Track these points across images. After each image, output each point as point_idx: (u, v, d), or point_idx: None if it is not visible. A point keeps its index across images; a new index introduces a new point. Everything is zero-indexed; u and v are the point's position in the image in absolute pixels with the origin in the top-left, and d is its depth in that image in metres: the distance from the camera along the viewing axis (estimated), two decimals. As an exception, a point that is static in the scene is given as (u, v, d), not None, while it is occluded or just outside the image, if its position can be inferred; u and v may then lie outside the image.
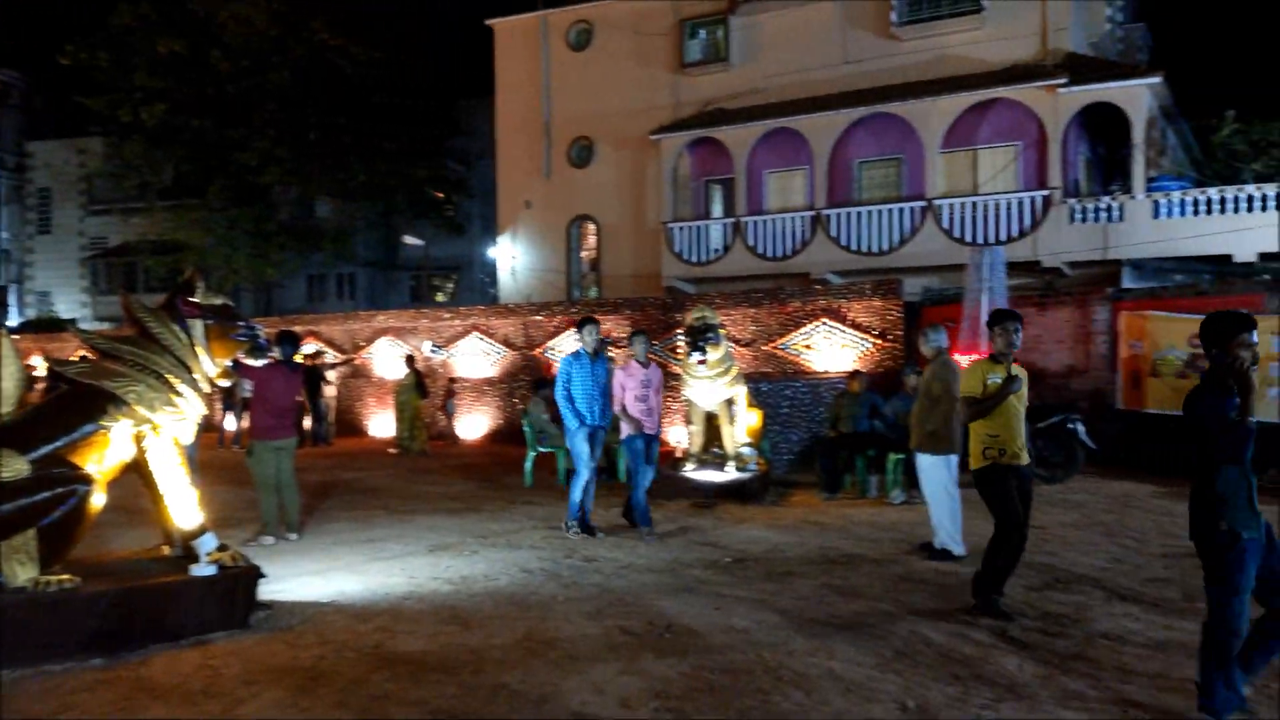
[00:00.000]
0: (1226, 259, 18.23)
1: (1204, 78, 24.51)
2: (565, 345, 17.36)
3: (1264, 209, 18.24)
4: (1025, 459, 6.21)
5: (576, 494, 9.02)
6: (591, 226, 26.58)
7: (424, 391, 17.17)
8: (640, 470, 9.10)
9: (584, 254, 27.06)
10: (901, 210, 21.07)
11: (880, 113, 21.26)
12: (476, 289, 37.67)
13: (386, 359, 20.34)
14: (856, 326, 15.26)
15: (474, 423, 18.91)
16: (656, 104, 24.64)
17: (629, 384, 9.16)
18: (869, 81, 21.93)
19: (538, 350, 18.52)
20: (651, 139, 23.95)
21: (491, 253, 30.21)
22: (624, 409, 9.09)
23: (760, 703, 4.72)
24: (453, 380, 19.06)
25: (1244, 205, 18.45)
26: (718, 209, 24.77)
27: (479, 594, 6.95)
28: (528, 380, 17.45)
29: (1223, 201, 18.68)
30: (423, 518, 10.20)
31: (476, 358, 19.26)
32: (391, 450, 17.15)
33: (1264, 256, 17.92)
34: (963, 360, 10.75)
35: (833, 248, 21.66)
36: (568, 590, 7.00)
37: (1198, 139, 24.03)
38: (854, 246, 21.42)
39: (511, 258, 27.57)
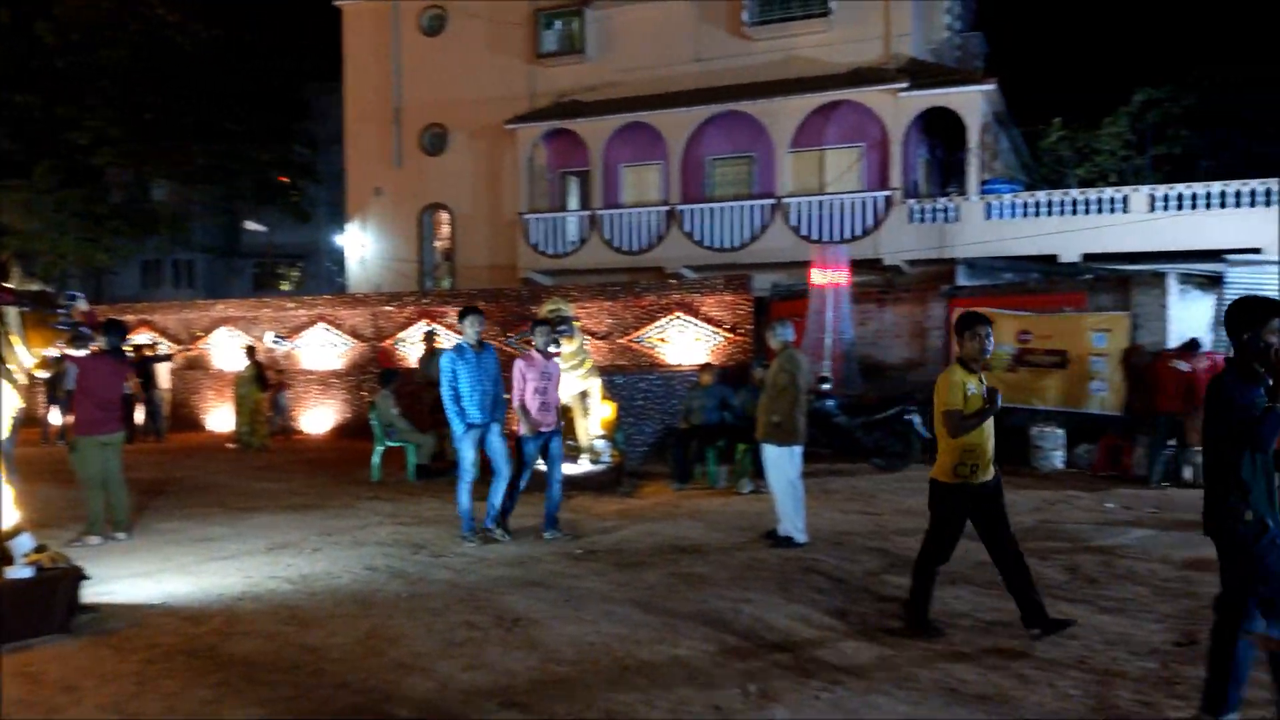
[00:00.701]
0: (1053, 259, 19.33)
1: (1034, 86, 25.87)
2: (416, 336, 16.99)
3: (1087, 212, 19.43)
4: (991, 473, 5.70)
5: (464, 499, 8.37)
6: (445, 216, 26.13)
7: (265, 384, 16.52)
8: (524, 471, 8.68)
9: (437, 244, 26.58)
10: (752, 208, 21.52)
11: (732, 111, 21.65)
12: (324, 278, 36.59)
13: (226, 350, 19.49)
14: (709, 320, 15.50)
15: (320, 417, 18.32)
16: (512, 93, 24.39)
17: (529, 375, 8.56)
18: (722, 79, 22.30)
19: (387, 342, 18.08)
20: (507, 128, 23.71)
21: (340, 241, 29.34)
22: (522, 405, 8.51)
23: (605, 693, 4.73)
24: (280, 373, 18.27)
25: (1069, 208, 19.62)
26: (574, 201, 24.74)
27: (320, 593, 6.74)
28: (376, 373, 17.03)
29: (1050, 204, 19.81)
30: (263, 515, 9.82)
31: (322, 349, 18.67)
32: (230, 445, 16.44)
33: (1087, 257, 19.08)
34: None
35: (687, 243, 21.94)
36: (414, 587, 6.86)
37: (1027, 144, 25.44)
38: (707, 242, 21.75)
39: (360, 246, 26.84)
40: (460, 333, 8.48)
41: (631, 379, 13.61)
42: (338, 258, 31.64)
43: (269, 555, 7.93)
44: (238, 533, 8.90)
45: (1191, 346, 12.26)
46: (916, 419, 12.93)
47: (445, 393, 8.23)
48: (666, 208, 22.29)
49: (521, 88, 24.47)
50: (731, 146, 22.69)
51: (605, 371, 14.37)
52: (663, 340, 15.75)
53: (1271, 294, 15.12)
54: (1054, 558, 7.69)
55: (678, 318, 15.65)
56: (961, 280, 19.26)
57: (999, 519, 5.68)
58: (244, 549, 8.18)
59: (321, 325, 18.68)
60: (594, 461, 10.74)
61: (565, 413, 10.94)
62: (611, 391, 12.61)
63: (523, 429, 8.52)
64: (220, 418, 19.13)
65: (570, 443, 11.01)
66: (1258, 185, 18.31)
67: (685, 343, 15.56)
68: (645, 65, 23.07)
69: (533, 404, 8.49)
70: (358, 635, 5.73)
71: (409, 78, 25.91)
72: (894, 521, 9.26)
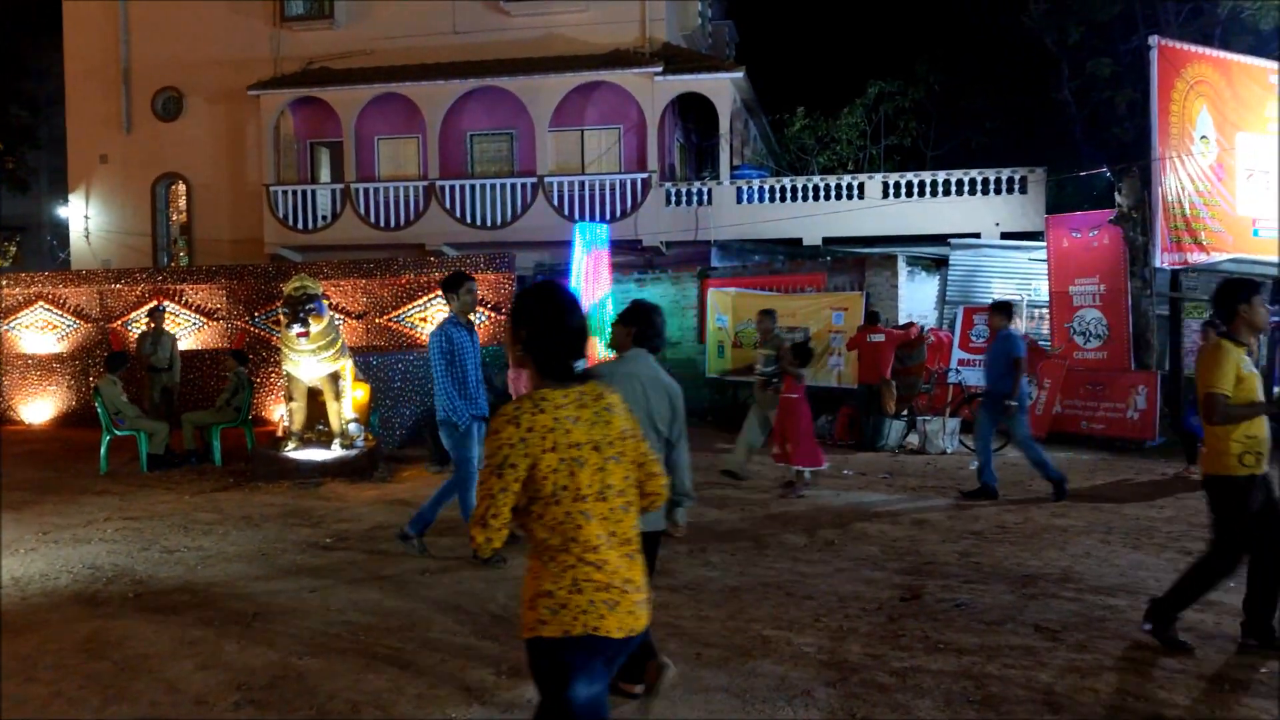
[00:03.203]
0: (798, 242, 20.40)
1: (780, 76, 27.17)
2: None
3: (828, 198, 20.60)
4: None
5: (438, 509, 7.04)
6: (182, 187, 24.33)
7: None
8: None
9: (174, 217, 24.72)
10: (514, 185, 21.37)
11: (492, 86, 21.37)
12: (45, 253, 33.23)
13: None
14: (469, 299, 15.29)
15: (40, 405, 16.65)
16: (255, 57, 22.96)
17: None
18: (480, 54, 21.93)
19: (117, 323, 16.66)
20: (250, 94, 22.29)
21: (63, 212, 26.70)
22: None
23: (352, 684, 4.56)
24: None
25: (812, 194, 20.73)
26: (326, 174, 23.68)
27: (34, 596, 6.15)
28: (104, 356, 15.65)
29: (794, 190, 20.86)
30: (-34, 515, 8.81)
31: (42, 331, 16.96)
32: (-70, 438, 14.66)
33: (827, 240, 20.25)
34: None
35: (448, 219, 21.50)
36: (143, 585, 6.37)
37: (774, 132, 26.66)
38: (469, 219, 21.42)
39: (85, 218, 24.55)
40: (452, 305, 6.95)
41: (388, 359, 13.20)
42: (62, 231, 28.79)
43: (-29, 559, 7.13)
44: (-67, 536, 7.94)
45: (872, 319, 13.26)
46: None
47: (442, 375, 6.78)
48: (425, 183, 21.76)
49: (266, 51, 23.09)
50: (492, 122, 22.41)
51: (361, 352, 13.89)
52: (423, 320, 15.39)
53: (989, 274, 16.71)
54: (795, 523, 8.13)
55: (438, 296, 15.32)
56: (715, 262, 20.00)
57: (1273, 519, 4.99)
58: (-60, 554, 7.31)
59: (41, 305, 16.96)
60: (346, 446, 10.34)
61: (316, 395, 10.48)
62: (366, 373, 12.19)
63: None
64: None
65: (321, 427, 10.56)
66: (977, 174, 20.02)
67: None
68: (400, 35, 22.33)
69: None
70: (77, 639, 5.26)
71: (139, 35, 23.84)
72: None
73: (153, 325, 14.00)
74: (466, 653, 4.98)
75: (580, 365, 2.71)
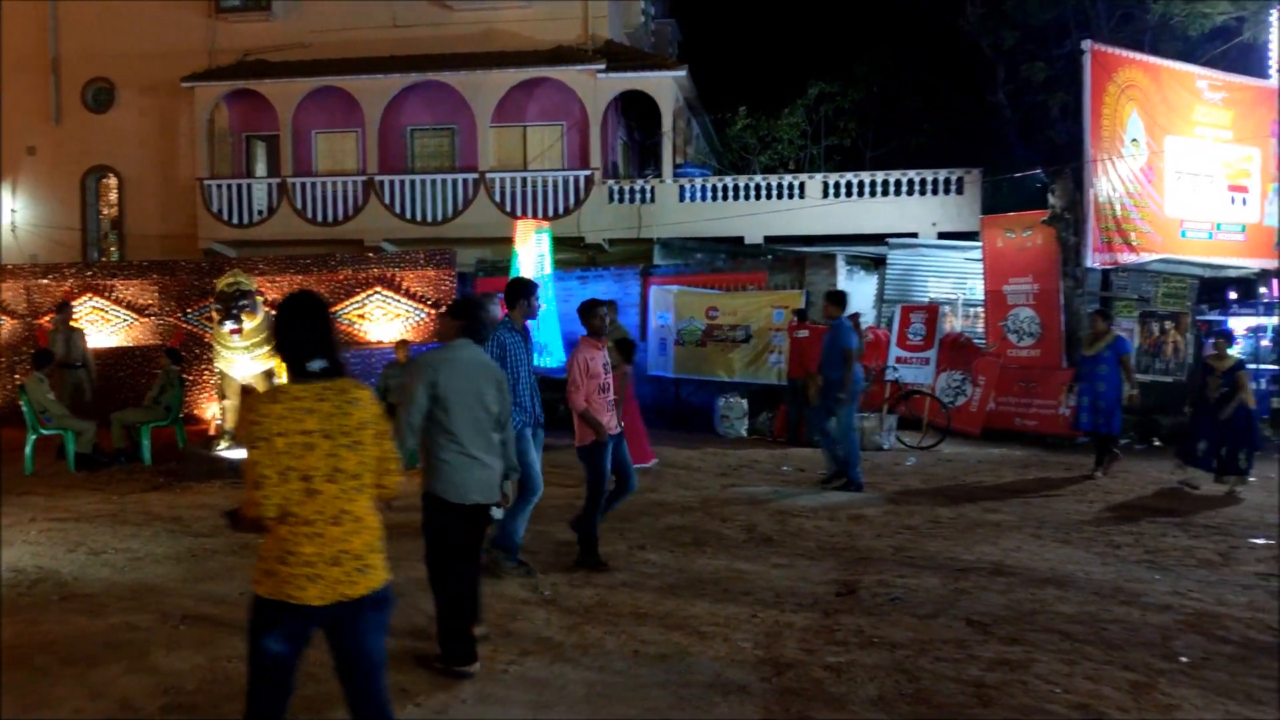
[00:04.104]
0: (740, 240, 20.50)
1: (722, 75, 27.31)
2: (78, 312, 15.28)
3: (769, 197, 20.74)
4: None
5: (519, 525, 6.41)
6: (113, 180, 23.74)
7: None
8: (628, 481, 6.87)
9: (105, 210, 24.10)
10: (455, 181, 21.18)
11: (433, 81, 21.16)
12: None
13: None
14: (411, 296, 15.12)
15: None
16: (190, 48, 22.45)
17: (594, 367, 6.53)
18: (421, 48, 21.71)
19: (44, 319, 16.17)
20: (184, 86, 21.81)
21: (-13, 205, 25.90)
22: (585, 406, 6.45)
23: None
24: None
25: (753, 193, 20.85)
26: (262, 168, 23.26)
27: (-51, 602, 5.93)
28: (31, 353, 15.19)
29: (736, 189, 20.96)
30: (-120, 518, 8.50)
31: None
32: None
33: (769, 239, 20.39)
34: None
35: (387, 215, 21.25)
36: (68, 588, 6.20)
37: (717, 131, 26.78)
38: (409, 215, 21.18)
39: (11, 211, 23.82)
40: (513, 313, 6.38)
41: (325, 357, 13.02)
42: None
43: (-116, 564, 6.88)
44: None
45: (800, 316, 13.41)
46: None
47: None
48: (364, 178, 21.48)
49: (200, 43, 22.60)
50: (432, 117, 22.19)
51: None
52: (361, 317, 15.19)
53: (926, 273, 16.97)
54: (734, 520, 8.17)
55: (377, 293, 15.14)
56: (657, 260, 20.01)
57: None
58: None
59: (-39, 300, 16.42)
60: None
61: (249, 393, 10.29)
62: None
63: (583, 434, 6.58)
64: None
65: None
66: (915, 175, 20.30)
67: (386, 319, 15.10)
68: (338, 28, 22.01)
69: (599, 402, 6.55)
70: (-5, 646, 5.09)
71: (68, 24, 23.20)
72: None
73: (61, 321, 13.51)
74: (402, 654, 4.91)
75: (318, 365, 3.09)
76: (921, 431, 13.16)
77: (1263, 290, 17.35)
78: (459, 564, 4.82)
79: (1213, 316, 17.47)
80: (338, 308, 15.25)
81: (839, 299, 9.86)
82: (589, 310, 6.63)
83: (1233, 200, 15.14)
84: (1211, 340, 11.13)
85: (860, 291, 16.70)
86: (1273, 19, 19.09)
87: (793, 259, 17.01)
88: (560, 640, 5.14)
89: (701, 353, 15.39)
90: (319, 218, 21.45)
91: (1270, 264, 15.69)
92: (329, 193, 21.51)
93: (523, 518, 6.40)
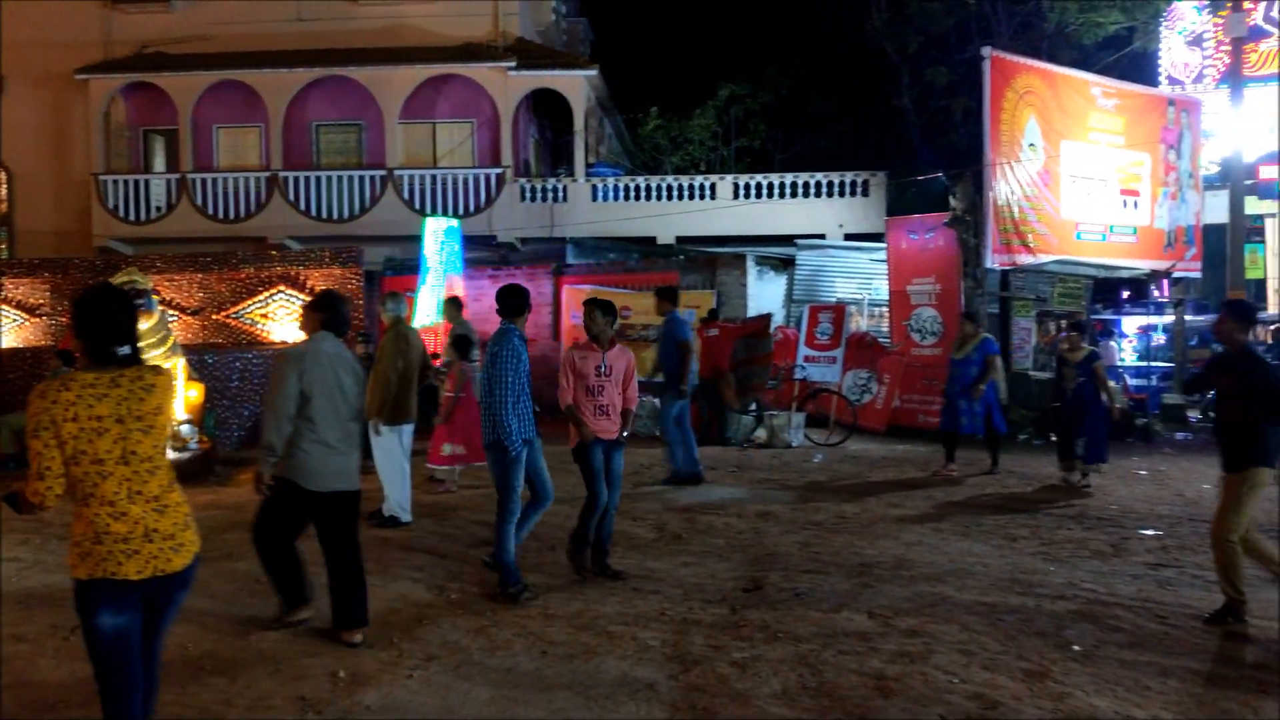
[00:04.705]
0: (652, 240, 20.59)
1: (634, 75, 27.36)
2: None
3: (681, 197, 20.86)
4: None
5: (512, 544, 6.01)
6: (2, 175, 22.70)
7: None
8: (600, 492, 6.42)
9: (-9, 206, 23.06)
10: (362, 178, 20.83)
11: (339, 76, 20.78)
12: None
13: None
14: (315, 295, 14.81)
15: None
16: (84, 39, 21.61)
17: (583, 367, 6.33)
18: (326, 42, 21.26)
19: (-77, 319, 15.40)
20: (78, 78, 21.02)
21: None
22: (573, 407, 6.30)
23: (179, 697, 4.33)
24: None
25: (665, 193, 20.95)
26: (160, 163, 22.54)
27: None
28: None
29: (649, 189, 21.05)
30: None
31: None
32: None
33: (681, 239, 20.52)
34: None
35: (292, 212, 20.78)
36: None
37: (629, 131, 26.82)
38: (314, 212, 20.75)
39: (-111, 206, 22.63)
40: (518, 320, 6.10)
41: (226, 358, 12.67)
42: None
43: None
44: None
45: (711, 315, 13.59)
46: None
47: (508, 398, 5.82)
48: (268, 174, 20.97)
49: (95, 33, 21.78)
50: (339, 113, 21.79)
51: (197, 350, 13.27)
52: (265, 316, 14.81)
53: (833, 274, 17.26)
54: (644, 519, 8.19)
55: (281, 292, 14.78)
56: (571, 259, 19.98)
57: None
58: None
59: None
60: (178, 449, 9.86)
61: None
62: (201, 372, 11.66)
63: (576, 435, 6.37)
64: None
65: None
66: (823, 177, 20.65)
67: (290, 318, 14.73)
68: (241, 21, 21.40)
69: (587, 406, 6.33)
70: None
71: (-51, 10, 22.16)
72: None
73: None
74: (302, 659, 4.81)
75: (125, 351, 3.20)
76: (829, 429, 13.38)
77: (1154, 290, 18.11)
78: (284, 541, 5.19)
79: (1106, 316, 18.17)
80: (240, 307, 14.85)
81: (669, 294, 10.17)
82: (588, 311, 6.59)
83: (1125, 204, 15.76)
84: (1064, 334, 11.25)
85: (769, 291, 16.93)
86: (1162, 30, 19.88)
87: (704, 259, 17.16)
88: (467, 644, 5.08)
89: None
90: (220, 214, 20.88)
91: (1160, 265, 16.37)
92: (231, 189, 20.96)
93: (526, 528, 6.25)
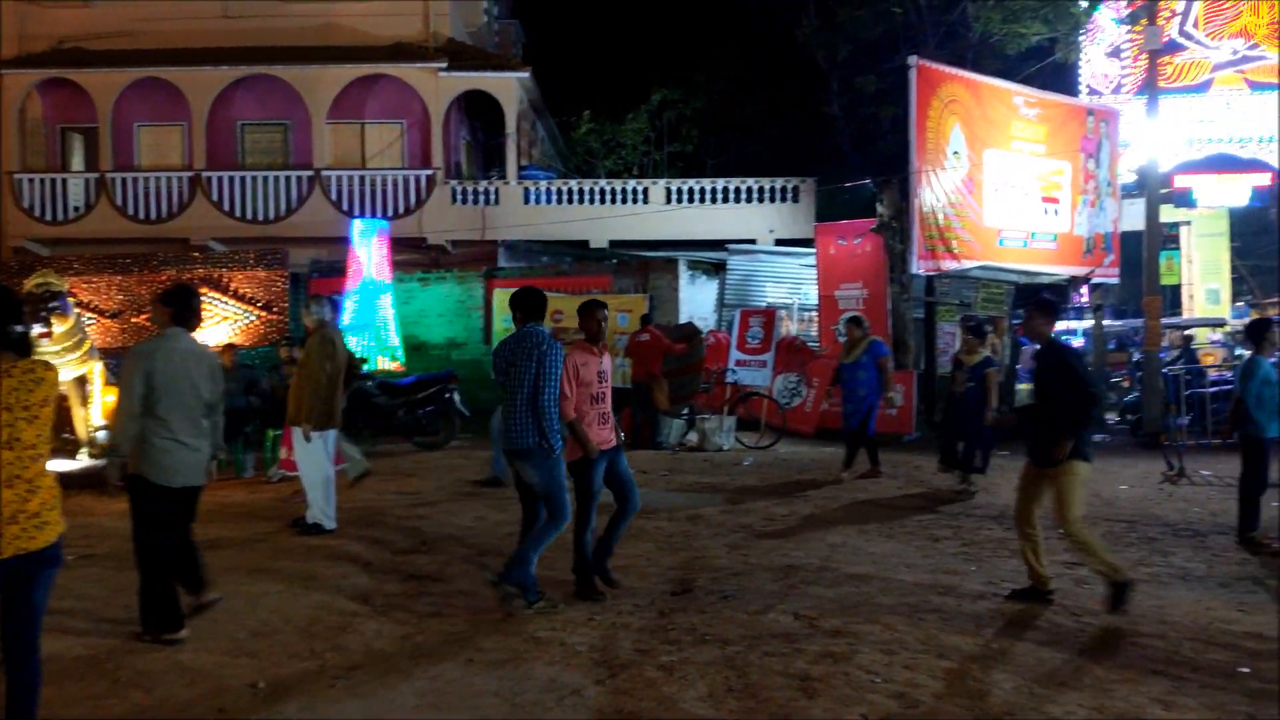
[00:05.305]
0: (584, 244, 20.57)
1: (567, 78, 27.27)
2: None
3: (614, 201, 20.87)
4: None
5: (536, 555, 5.77)
6: (-91, 172, 21.86)
7: None
8: (629, 500, 6.23)
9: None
10: (289, 178, 20.48)
11: (265, 74, 20.41)
12: None
13: None
14: (239, 298, 14.55)
15: None
16: (-2, 33, 20.95)
17: (585, 374, 5.95)
18: (254, 40, 20.83)
19: None
20: (-9, 74, 20.34)
21: None
22: (574, 417, 5.84)
23: (94, 710, 4.22)
24: None
25: (598, 197, 20.94)
26: (79, 161, 21.90)
27: None
28: None
29: (581, 193, 21.02)
30: None
31: None
32: None
33: (613, 244, 20.53)
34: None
35: (215, 212, 20.35)
36: None
37: (562, 134, 26.78)
38: (239, 213, 20.35)
39: None
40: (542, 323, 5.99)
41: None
42: None
43: None
44: None
45: (645, 321, 13.61)
46: (456, 396, 13.13)
47: (554, 402, 5.71)
48: (191, 173, 20.51)
49: (11, 27, 21.04)
50: (265, 112, 21.40)
51: (116, 354, 12.92)
52: (186, 319, 14.47)
53: (764, 279, 17.42)
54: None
55: (203, 294, 14.45)
56: (502, 262, 19.89)
57: None
58: None
59: None
60: (95, 456, 9.59)
61: (61, 401, 9.66)
62: (119, 377, 11.34)
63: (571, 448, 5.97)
64: None
65: (66, 435, 9.76)
66: (754, 183, 20.83)
67: (213, 322, 14.44)
68: (164, 17, 20.86)
69: (590, 415, 5.99)
70: None
71: None
72: (429, 499, 9.32)
73: None
74: (220, 669, 4.71)
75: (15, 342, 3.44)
76: (759, 432, 13.50)
77: (1074, 295, 18.61)
78: (163, 538, 5.17)
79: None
80: (161, 310, 14.51)
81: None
82: (588, 312, 6.16)
83: (1046, 211, 16.19)
84: (962, 337, 11.16)
85: (701, 296, 17.04)
86: (1082, 42, 20.45)
87: (637, 264, 17.21)
88: (392, 651, 5.02)
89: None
90: (141, 215, 20.36)
91: (1079, 271, 16.84)
92: (152, 189, 20.46)
93: (542, 546, 5.82)
